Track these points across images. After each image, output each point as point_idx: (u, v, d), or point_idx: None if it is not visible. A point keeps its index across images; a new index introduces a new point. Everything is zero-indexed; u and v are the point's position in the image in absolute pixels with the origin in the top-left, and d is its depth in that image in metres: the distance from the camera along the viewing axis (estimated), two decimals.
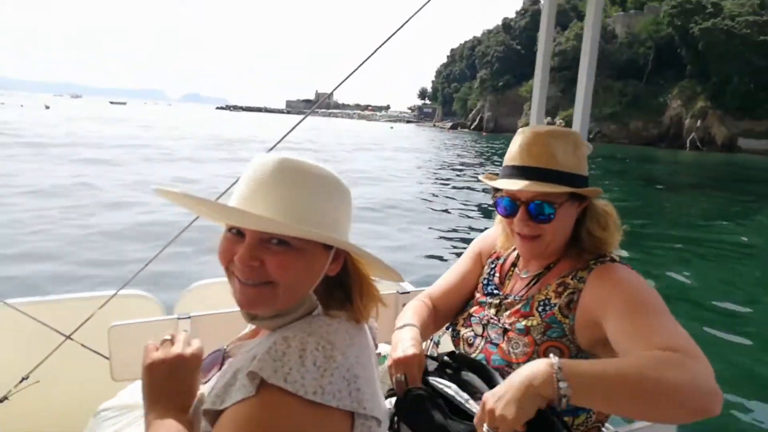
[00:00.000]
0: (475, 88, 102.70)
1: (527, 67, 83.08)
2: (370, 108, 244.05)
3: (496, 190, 1.41)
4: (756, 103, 59.50)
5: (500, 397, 0.99)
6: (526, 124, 1.60)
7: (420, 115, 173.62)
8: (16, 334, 1.82)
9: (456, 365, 1.29)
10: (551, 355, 1.04)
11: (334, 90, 2.10)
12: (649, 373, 0.98)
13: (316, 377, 0.81)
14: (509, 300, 1.43)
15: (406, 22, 1.88)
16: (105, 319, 1.70)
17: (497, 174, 1.41)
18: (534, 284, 1.41)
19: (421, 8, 1.95)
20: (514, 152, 1.36)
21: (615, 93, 69.23)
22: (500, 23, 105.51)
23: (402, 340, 1.39)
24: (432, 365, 1.34)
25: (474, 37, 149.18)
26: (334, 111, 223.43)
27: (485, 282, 1.56)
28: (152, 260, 1.79)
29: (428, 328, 1.52)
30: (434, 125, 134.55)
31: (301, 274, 0.92)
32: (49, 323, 1.73)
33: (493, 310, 1.45)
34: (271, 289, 0.90)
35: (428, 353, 1.43)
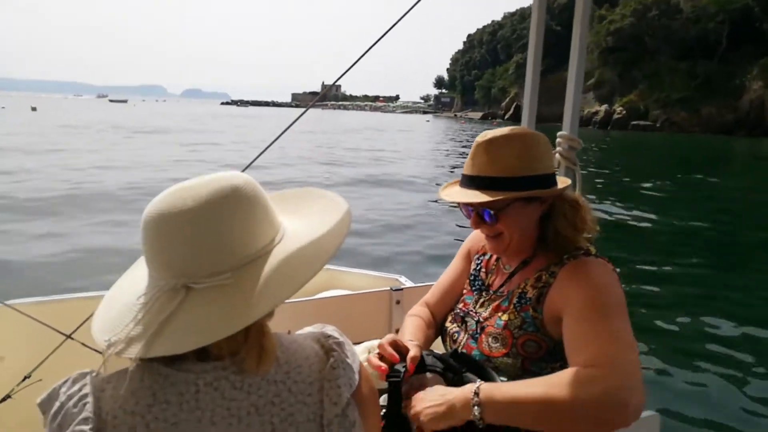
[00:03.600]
0: (509, 74, 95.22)
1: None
2: (380, 99, 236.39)
3: None
4: None
5: (429, 406, 1.16)
6: None
7: (437, 105, 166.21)
8: (17, 334, 1.93)
9: (458, 366, 1.31)
10: (478, 380, 1.18)
11: (335, 82, 2.17)
12: (556, 394, 1.05)
13: None
14: (491, 294, 1.47)
15: (407, 12, 1.95)
16: None
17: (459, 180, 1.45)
18: (513, 278, 1.44)
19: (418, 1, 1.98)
20: (466, 161, 1.40)
21: (682, 75, 61.73)
22: (530, 3, 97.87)
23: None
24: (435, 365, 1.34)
25: (493, 21, 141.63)
26: (344, 103, 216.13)
27: (472, 278, 1.58)
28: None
29: (429, 341, 1.55)
30: (455, 115, 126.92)
31: None
32: (50, 323, 1.79)
33: (475, 305, 1.49)
34: None
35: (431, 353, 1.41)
